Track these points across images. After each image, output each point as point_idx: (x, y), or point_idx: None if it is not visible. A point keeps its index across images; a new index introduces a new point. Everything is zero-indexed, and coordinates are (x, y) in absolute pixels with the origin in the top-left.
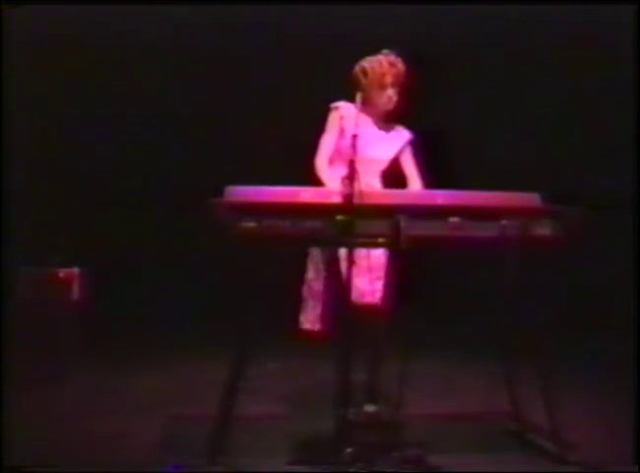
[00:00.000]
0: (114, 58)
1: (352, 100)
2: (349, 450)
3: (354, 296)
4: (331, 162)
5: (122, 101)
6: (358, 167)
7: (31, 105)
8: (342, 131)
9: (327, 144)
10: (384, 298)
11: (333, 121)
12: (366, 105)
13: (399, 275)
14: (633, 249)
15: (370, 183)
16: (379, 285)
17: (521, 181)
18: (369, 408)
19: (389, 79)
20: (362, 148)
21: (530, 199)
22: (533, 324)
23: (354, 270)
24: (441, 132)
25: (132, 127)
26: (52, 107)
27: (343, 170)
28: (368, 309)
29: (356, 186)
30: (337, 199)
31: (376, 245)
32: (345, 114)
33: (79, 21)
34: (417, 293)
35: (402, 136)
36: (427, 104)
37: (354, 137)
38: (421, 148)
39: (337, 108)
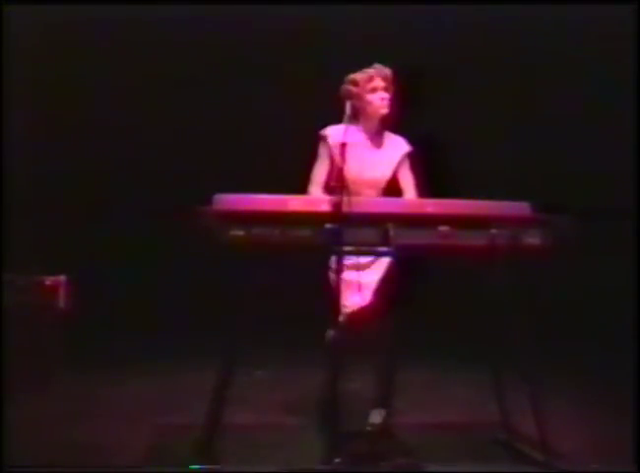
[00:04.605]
0: (100, 68)
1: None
2: (337, 460)
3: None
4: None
5: (109, 110)
6: (356, 189)
7: (19, 110)
8: (332, 162)
9: (318, 172)
10: (375, 300)
11: (322, 152)
12: (360, 117)
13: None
14: (620, 258)
15: None
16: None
17: (511, 190)
18: (375, 418)
19: (379, 82)
20: (360, 170)
21: (520, 208)
22: (522, 333)
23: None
24: (431, 140)
25: (120, 135)
26: (41, 112)
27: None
28: (359, 314)
29: (345, 194)
30: (326, 207)
31: (365, 253)
32: (333, 143)
33: (70, 26)
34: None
35: (399, 149)
36: (417, 113)
37: (343, 145)
38: (413, 157)
39: (324, 138)
